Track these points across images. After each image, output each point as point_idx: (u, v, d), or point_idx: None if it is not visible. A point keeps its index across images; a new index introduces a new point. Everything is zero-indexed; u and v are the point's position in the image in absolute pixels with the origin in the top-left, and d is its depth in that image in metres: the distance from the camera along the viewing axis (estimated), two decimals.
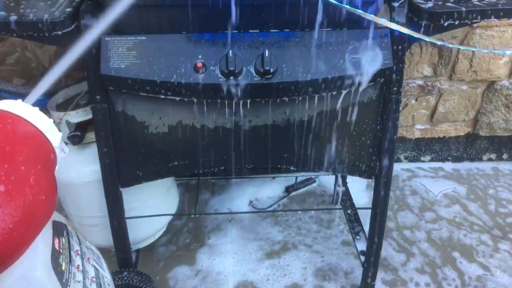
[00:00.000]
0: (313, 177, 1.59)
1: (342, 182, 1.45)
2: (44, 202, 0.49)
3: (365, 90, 0.85)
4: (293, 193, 1.55)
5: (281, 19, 0.80)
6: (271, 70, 0.77)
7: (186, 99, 0.84)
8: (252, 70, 0.79)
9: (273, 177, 1.60)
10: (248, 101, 0.85)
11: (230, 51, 0.77)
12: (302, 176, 1.58)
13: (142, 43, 0.80)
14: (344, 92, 0.85)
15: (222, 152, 0.93)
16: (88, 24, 0.77)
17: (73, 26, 0.77)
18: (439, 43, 1.18)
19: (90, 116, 0.95)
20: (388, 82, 0.86)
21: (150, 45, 0.80)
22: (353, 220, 1.36)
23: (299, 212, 1.47)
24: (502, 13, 0.79)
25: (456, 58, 1.48)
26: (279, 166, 0.97)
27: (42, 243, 0.55)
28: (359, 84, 0.82)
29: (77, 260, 0.63)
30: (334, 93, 0.85)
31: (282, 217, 1.44)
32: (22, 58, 1.34)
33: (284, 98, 0.85)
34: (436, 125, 1.65)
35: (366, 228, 1.09)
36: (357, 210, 1.38)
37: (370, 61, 0.81)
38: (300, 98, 0.85)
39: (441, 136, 1.68)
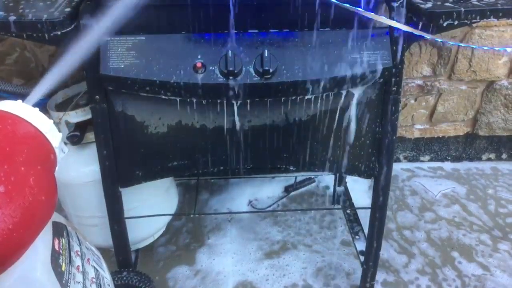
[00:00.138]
0: (312, 177, 1.59)
1: (341, 182, 1.46)
2: (44, 203, 0.49)
3: (364, 90, 0.86)
4: (293, 193, 1.55)
5: (280, 19, 0.80)
6: (271, 70, 0.78)
7: (185, 99, 0.84)
8: (251, 70, 0.79)
9: (273, 177, 1.60)
10: (248, 101, 0.85)
11: (230, 51, 0.77)
12: (301, 176, 1.58)
13: (141, 43, 0.80)
14: (343, 92, 0.85)
15: (222, 152, 0.93)
16: (87, 24, 0.77)
17: (72, 26, 0.77)
18: (439, 40, 1.19)
19: (89, 116, 0.94)
20: (388, 82, 0.86)
21: (149, 45, 0.80)
22: (353, 220, 1.36)
23: (299, 212, 1.47)
24: (501, 13, 0.79)
25: (455, 58, 1.48)
26: (278, 166, 0.97)
27: (42, 244, 0.55)
28: (358, 84, 0.83)
29: (77, 261, 0.63)
30: (333, 93, 0.85)
31: (281, 217, 1.44)
32: (22, 58, 1.34)
33: (283, 98, 0.85)
34: (436, 125, 1.65)
35: (366, 228, 1.09)
36: (357, 210, 1.38)
37: (369, 61, 0.81)
38: (299, 98, 0.85)
39: (440, 136, 1.68)
